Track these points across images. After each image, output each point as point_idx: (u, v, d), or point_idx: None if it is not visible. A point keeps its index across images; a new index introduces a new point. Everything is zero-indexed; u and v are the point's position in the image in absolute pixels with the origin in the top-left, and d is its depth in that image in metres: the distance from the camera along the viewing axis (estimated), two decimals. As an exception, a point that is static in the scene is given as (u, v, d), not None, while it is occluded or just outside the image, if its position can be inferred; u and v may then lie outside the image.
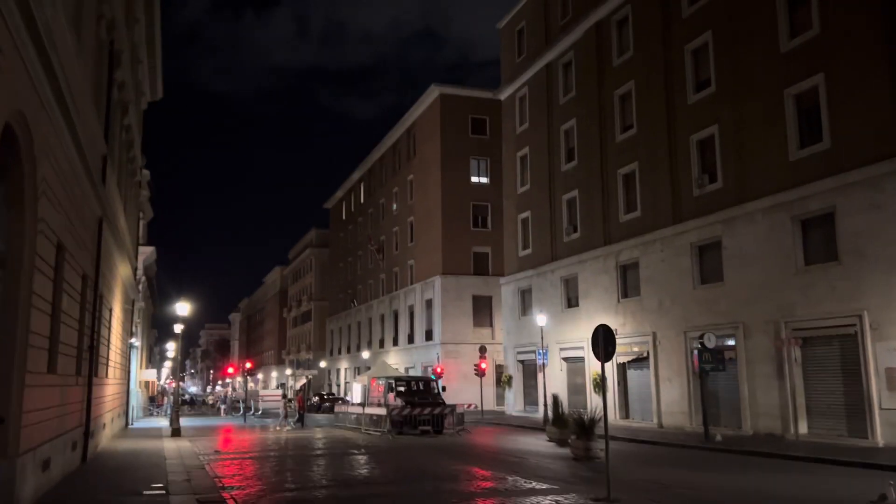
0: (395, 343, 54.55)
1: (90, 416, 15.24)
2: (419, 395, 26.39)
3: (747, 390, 21.83)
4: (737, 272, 22.56)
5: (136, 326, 38.70)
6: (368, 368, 59.28)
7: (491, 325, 46.62)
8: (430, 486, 11.90)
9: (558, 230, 33.07)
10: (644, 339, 26.71)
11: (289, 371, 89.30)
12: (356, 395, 60.64)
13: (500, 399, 42.54)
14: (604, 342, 11.39)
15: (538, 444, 21.42)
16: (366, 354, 57.23)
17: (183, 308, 25.81)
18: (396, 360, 52.10)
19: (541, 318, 28.88)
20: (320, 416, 37.84)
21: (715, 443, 19.48)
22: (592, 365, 29.62)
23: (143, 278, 43.15)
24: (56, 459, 11.58)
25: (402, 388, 26.74)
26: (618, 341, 28.62)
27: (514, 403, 36.46)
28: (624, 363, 28.13)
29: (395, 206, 56.81)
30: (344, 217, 73.34)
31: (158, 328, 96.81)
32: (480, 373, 35.72)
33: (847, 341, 18.90)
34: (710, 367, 20.77)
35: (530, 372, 35.61)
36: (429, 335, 48.16)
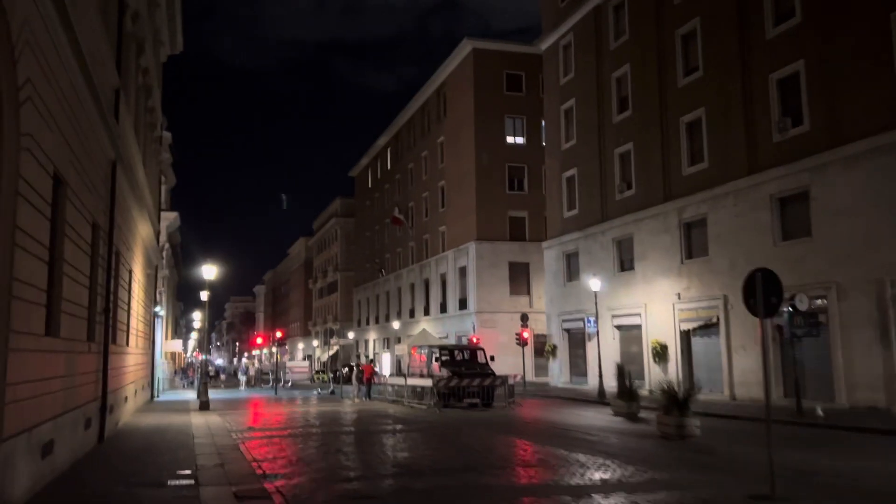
0: (427, 313, 52.48)
1: (107, 388, 13.21)
2: (466, 364, 24.20)
3: (842, 358, 19.33)
4: (828, 226, 19.92)
5: (161, 295, 36.94)
6: (399, 340, 57.59)
7: (528, 292, 44.27)
8: (525, 475, 9.70)
9: (609, 188, 30.47)
10: (713, 303, 24.21)
11: (315, 343, 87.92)
12: (386, 366, 59.15)
13: (539, 370, 40.38)
14: (764, 292, 8.69)
15: (604, 418, 19.18)
16: (396, 325, 55.30)
17: (209, 271, 23.77)
18: (428, 331, 50.08)
19: (594, 283, 26.47)
20: (351, 388, 35.84)
21: (815, 417, 17.05)
22: (651, 332, 27.25)
23: (167, 245, 41.34)
24: (62, 442, 9.52)
25: (446, 358, 24.57)
26: (681, 307, 26.45)
27: (559, 375, 34.23)
28: (688, 330, 25.69)
29: (424, 171, 54.33)
30: (370, 185, 71.02)
31: (184, 301, 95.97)
32: (523, 342, 33.54)
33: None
34: (802, 332, 18.22)
35: (577, 341, 33.30)
36: (463, 304, 45.96)
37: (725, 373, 23.47)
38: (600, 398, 25.45)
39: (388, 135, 63.84)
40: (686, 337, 25.83)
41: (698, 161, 25.41)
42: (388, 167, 64.50)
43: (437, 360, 24.41)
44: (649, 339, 27.29)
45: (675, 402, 13.91)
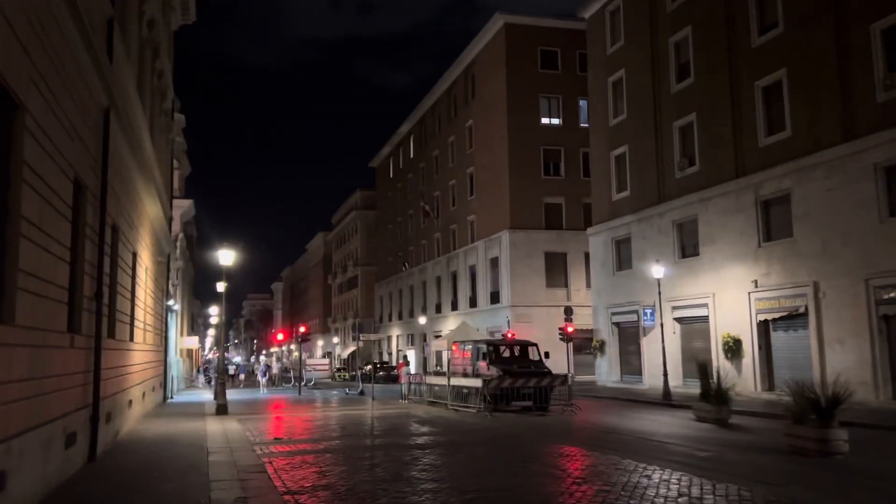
0: (455, 307, 49.61)
1: (99, 392, 10.48)
2: (517, 362, 21.26)
3: (975, 354, 16.25)
4: (954, 197, 16.83)
5: (175, 287, 34.41)
6: (425, 337, 54.74)
7: (566, 284, 41.27)
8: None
9: (667, 165, 27.42)
10: (799, 290, 21.15)
11: (336, 340, 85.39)
12: (412, 364, 56.23)
13: (580, 368, 37.31)
14: None
15: (690, 425, 16.25)
16: (423, 320, 52.47)
17: (226, 256, 21.04)
18: (455, 326, 47.23)
19: (657, 270, 23.49)
20: (376, 388, 32.89)
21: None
22: (720, 325, 24.21)
23: (182, 236, 38.82)
24: (21, 472, 6.78)
25: (495, 355, 21.67)
26: (760, 294, 23.35)
27: (607, 373, 31.24)
28: (766, 321, 22.64)
29: (451, 158, 51.42)
30: (391, 175, 68.22)
31: (200, 298, 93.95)
32: (567, 337, 30.53)
33: None
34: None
35: (629, 336, 30.31)
36: (495, 297, 43.03)
37: (816, 371, 20.35)
38: (665, 399, 22.51)
39: (411, 122, 60.98)
40: (764, 330, 22.78)
41: (778, 130, 22.32)
42: (412, 155, 61.66)
43: (484, 357, 21.50)
44: (719, 332, 24.26)
45: (816, 408, 10.93)
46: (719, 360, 23.98)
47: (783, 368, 22.17)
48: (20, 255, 6.57)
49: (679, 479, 8.63)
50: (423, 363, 51.04)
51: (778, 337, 22.48)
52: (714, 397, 16.79)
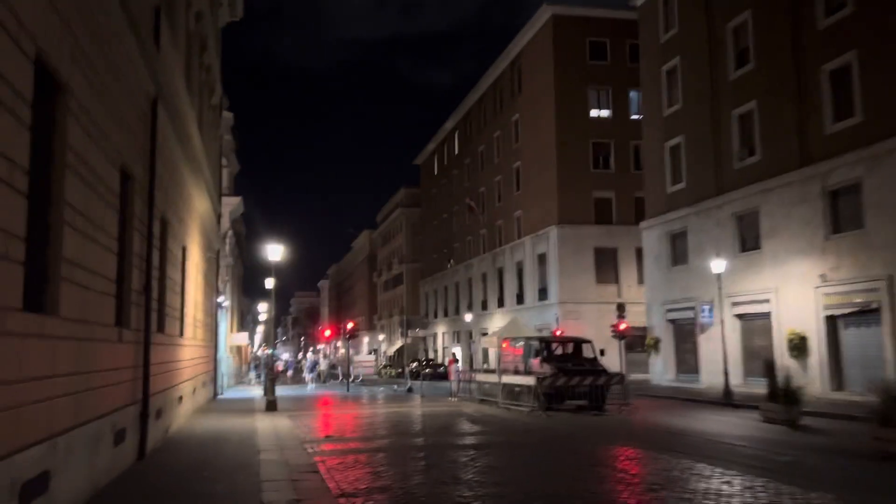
0: (501, 304, 48.90)
1: (148, 388, 10.24)
2: (571, 359, 20.55)
3: None
4: None
5: (225, 284, 34.63)
6: (471, 334, 54.18)
7: (617, 281, 40.19)
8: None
9: (726, 155, 26.29)
10: (872, 285, 19.93)
11: (381, 336, 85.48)
12: (459, 360, 55.71)
13: (631, 366, 36.22)
14: None
15: (758, 426, 15.39)
16: (469, 317, 51.93)
17: (275, 251, 20.86)
18: (502, 323, 46.54)
19: (717, 264, 22.45)
20: (424, 385, 32.41)
21: None
22: (784, 321, 23.06)
23: (231, 233, 39.09)
24: (67, 471, 6.48)
25: (549, 352, 20.98)
26: (827, 289, 22.12)
27: (662, 371, 30.22)
28: (834, 317, 21.45)
29: (497, 153, 50.72)
30: (436, 172, 67.83)
31: (249, 296, 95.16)
32: (619, 334, 29.54)
33: None
34: None
35: (684, 333, 29.24)
36: (542, 294, 42.20)
37: (890, 370, 19.16)
38: (726, 399, 21.51)
39: (456, 118, 60.45)
40: (832, 327, 21.57)
41: (847, 116, 21.08)
42: (457, 152, 61.15)
43: (536, 354, 20.83)
44: (782, 329, 23.11)
45: (908, 410, 10.04)
46: (783, 359, 22.82)
47: (853, 367, 20.96)
48: (64, 242, 6.26)
49: (765, 487, 7.91)
50: (470, 360, 50.53)
51: (847, 334, 21.26)
52: (783, 397, 15.85)
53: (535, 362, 20.66)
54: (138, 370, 9.95)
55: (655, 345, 30.45)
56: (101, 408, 7.81)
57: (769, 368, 16.79)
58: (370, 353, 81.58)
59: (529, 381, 18.70)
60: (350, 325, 40.82)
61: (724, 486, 7.95)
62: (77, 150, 6.58)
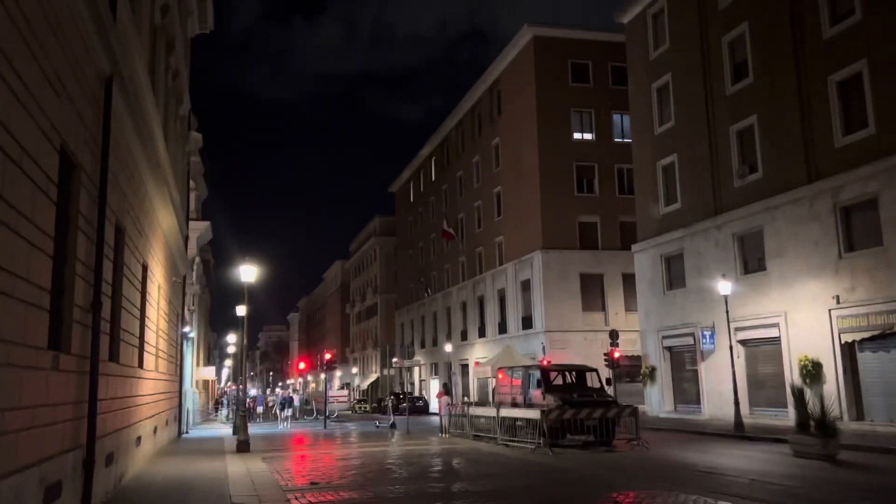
0: (482, 334, 47.10)
1: (94, 429, 8.26)
2: (576, 390, 18.80)
3: None
4: None
5: (191, 313, 32.37)
6: (450, 365, 52.12)
7: (603, 308, 38.71)
8: None
9: (724, 173, 25.13)
10: (892, 306, 18.65)
11: (354, 370, 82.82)
12: (434, 393, 53.51)
13: (623, 397, 34.52)
14: None
15: (790, 462, 13.83)
16: (448, 347, 49.95)
17: (248, 272, 18.89)
18: (483, 353, 44.71)
19: (723, 286, 21.08)
20: (400, 420, 29.95)
21: None
22: (796, 347, 21.67)
23: (198, 260, 36.89)
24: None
25: (548, 382, 19.20)
26: (842, 313, 20.70)
27: (660, 402, 28.59)
28: (852, 342, 20.11)
29: (476, 178, 49.37)
30: (412, 199, 66.27)
31: (216, 330, 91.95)
32: (614, 363, 27.97)
33: None
34: None
35: (682, 361, 27.76)
36: (527, 322, 40.51)
37: (918, 397, 17.81)
38: (738, 431, 20.01)
39: (433, 144, 59.17)
40: (849, 352, 20.23)
41: (858, 127, 20.04)
42: (433, 178, 59.75)
43: (538, 384, 19.01)
44: (793, 355, 21.72)
45: None
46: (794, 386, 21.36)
47: (875, 395, 19.58)
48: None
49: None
50: (450, 393, 48.43)
51: (866, 359, 19.92)
52: (818, 429, 14.31)
53: (536, 394, 18.86)
54: (81, 407, 7.99)
55: (652, 374, 28.89)
56: (23, 457, 5.86)
57: (799, 397, 15.27)
58: (341, 388, 78.71)
59: (533, 414, 16.87)
60: (328, 356, 38.58)
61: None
62: (12, 132, 4.78)
